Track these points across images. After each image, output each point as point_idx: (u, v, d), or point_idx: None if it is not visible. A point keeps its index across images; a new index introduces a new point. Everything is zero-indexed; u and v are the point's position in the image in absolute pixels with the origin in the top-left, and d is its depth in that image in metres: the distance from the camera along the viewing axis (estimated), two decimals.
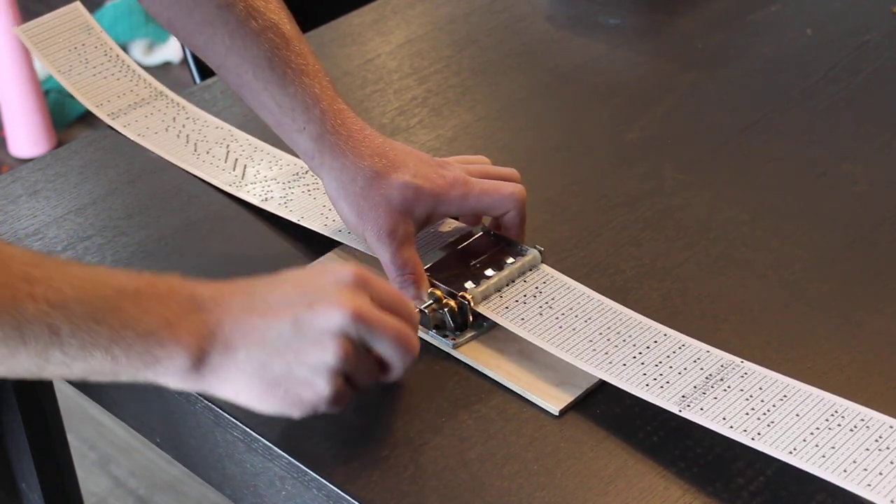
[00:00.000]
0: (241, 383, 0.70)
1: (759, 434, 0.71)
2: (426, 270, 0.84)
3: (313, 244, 0.91)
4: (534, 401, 0.78)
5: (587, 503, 0.71)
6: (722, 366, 0.76)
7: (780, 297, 0.86)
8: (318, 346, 0.70)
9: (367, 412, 0.77)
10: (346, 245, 0.89)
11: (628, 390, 0.75)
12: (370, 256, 0.87)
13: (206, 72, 1.25)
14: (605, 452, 0.74)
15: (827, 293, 0.87)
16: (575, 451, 0.74)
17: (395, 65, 1.15)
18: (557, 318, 0.81)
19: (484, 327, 0.83)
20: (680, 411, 0.73)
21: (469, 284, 0.82)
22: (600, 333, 0.79)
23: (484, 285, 0.82)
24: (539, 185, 0.95)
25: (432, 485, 0.72)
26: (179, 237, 0.93)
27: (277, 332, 0.70)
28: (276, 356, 0.70)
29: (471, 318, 0.82)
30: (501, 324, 0.81)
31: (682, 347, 0.78)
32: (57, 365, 0.67)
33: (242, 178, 0.96)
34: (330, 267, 0.74)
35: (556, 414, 0.77)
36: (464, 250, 0.87)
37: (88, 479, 1.83)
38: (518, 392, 0.78)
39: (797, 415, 0.72)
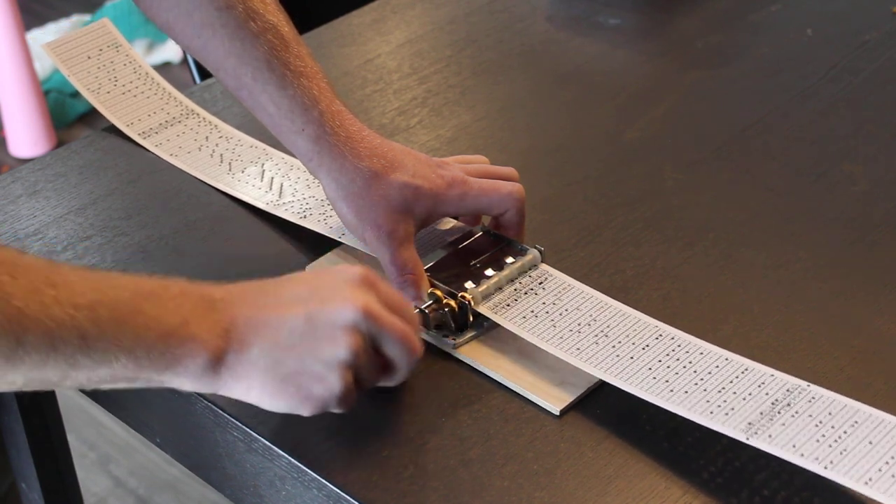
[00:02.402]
0: (253, 380, 0.71)
1: (831, 463, 0.68)
2: (426, 270, 0.84)
3: (313, 244, 0.91)
4: (534, 400, 0.78)
5: (587, 503, 0.71)
6: (788, 390, 0.73)
7: (780, 297, 0.86)
8: (331, 340, 0.71)
9: (366, 412, 0.77)
10: (346, 245, 0.89)
11: (691, 418, 0.73)
12: (370, 256, 0.87)
13: (206, 72, 1.25)
14: (605, 452, 0.74)
15: (827, 293, 0.87)
16: (575, 451, 0.74)
17: (395, 65, 1.15)
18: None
19: (484, 327, 0.83)
20: (747, 439, 0.71)
21: (469, 284, 0.82)
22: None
23: (484, 285, 0.82)
24: (539, 184, 0.96)
25: (432, 485, 0.72)
26: (179, 237, 0.93)
27: (290, 329, 0.71)
28: (289, 352, 0.70)
29: (471, 318, 0.82)
30: (501, 324, 0.81)
31: (746, 372, 0.75)
32: (81, 371, 0.67)
33: (280, 197, 0.94)
34: (338, 268, 0.75)
35: (557, 414, 0.77)
36: (464, 250, 0.87)
37: (88, 479, 1.84)
38: (518, 392, 0.78)
39: (870, 442, 0.69)
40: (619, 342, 0.78)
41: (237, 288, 0.73)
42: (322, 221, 0.91)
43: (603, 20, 1.22)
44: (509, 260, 0.85)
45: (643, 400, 0.75)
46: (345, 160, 0.84)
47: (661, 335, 0.79)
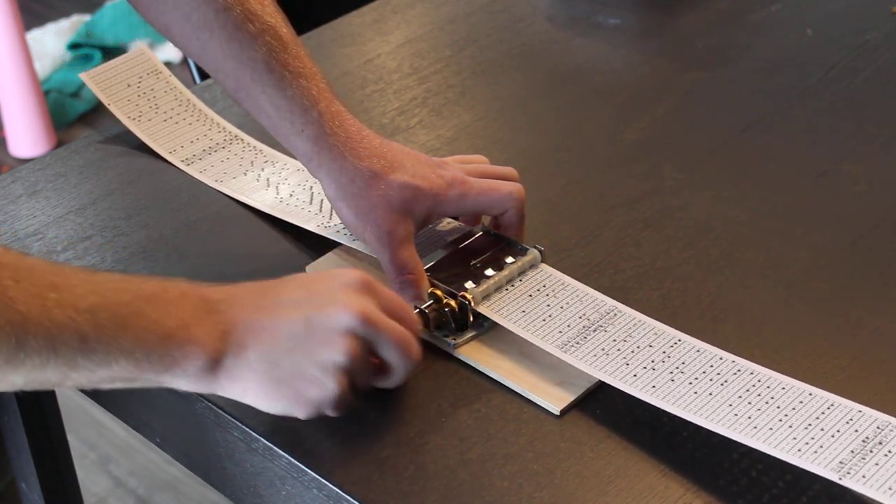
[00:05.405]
0: (250, 382, 0.71)
1: None
2: (426, 270, 0.84)
3: (313, 245, 0.91)
4: (534, 400, 0.78)
5: (587, 503, 0.71)
6: (878, 427, 0.70)
7: (780, 297, 0.86)
8: (328, 344, 0.71)
9: (367, 412, 0.77)
10: (346, 246, 0.89)
11: (779, 456, 0.70)
12: (370, 257, 0.87)
13: (206, 72, 1.25)
14: (605, 452, 0.74)
15: (827, 293, 0.87)
16: (575, 451, 0.74)
17: (395, 65, 1.15)
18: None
19: (484, 327, 0.83)
20: (840, 479, 0.68)
21: (469, 284, 0.82)
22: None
23: (484, 285, 0.82)
24: (539, 184, 0.96)
25: (432, 485, 0.73)
26: (179, 237, 0.93)
27: (288, 332, 0.71)
28: (287, 354, 0.71)
29: (471, 318, 0.82)
30: (502, 324, 0.81)
31: (832, 408, 0.72)
32: (81, 373, 0.68)
33: (330, 219, 0.93)
34: (337, 271, 0.75)
35: (557, 414, 0.77)
36: (464, 250, 0.87)
37: (88, 479, 1.84)
38: (519, 392, 0.78)
39: None
40: (697, 378, 0.75)
41: (236, 290, 0.73)
42: None
43: (603, 20, 1.22)
44: (509, 260, 0.85)
45: (643, 400, 0.75)
46: (344, 161, 0.84)
47: (739, 370, 0.76)
